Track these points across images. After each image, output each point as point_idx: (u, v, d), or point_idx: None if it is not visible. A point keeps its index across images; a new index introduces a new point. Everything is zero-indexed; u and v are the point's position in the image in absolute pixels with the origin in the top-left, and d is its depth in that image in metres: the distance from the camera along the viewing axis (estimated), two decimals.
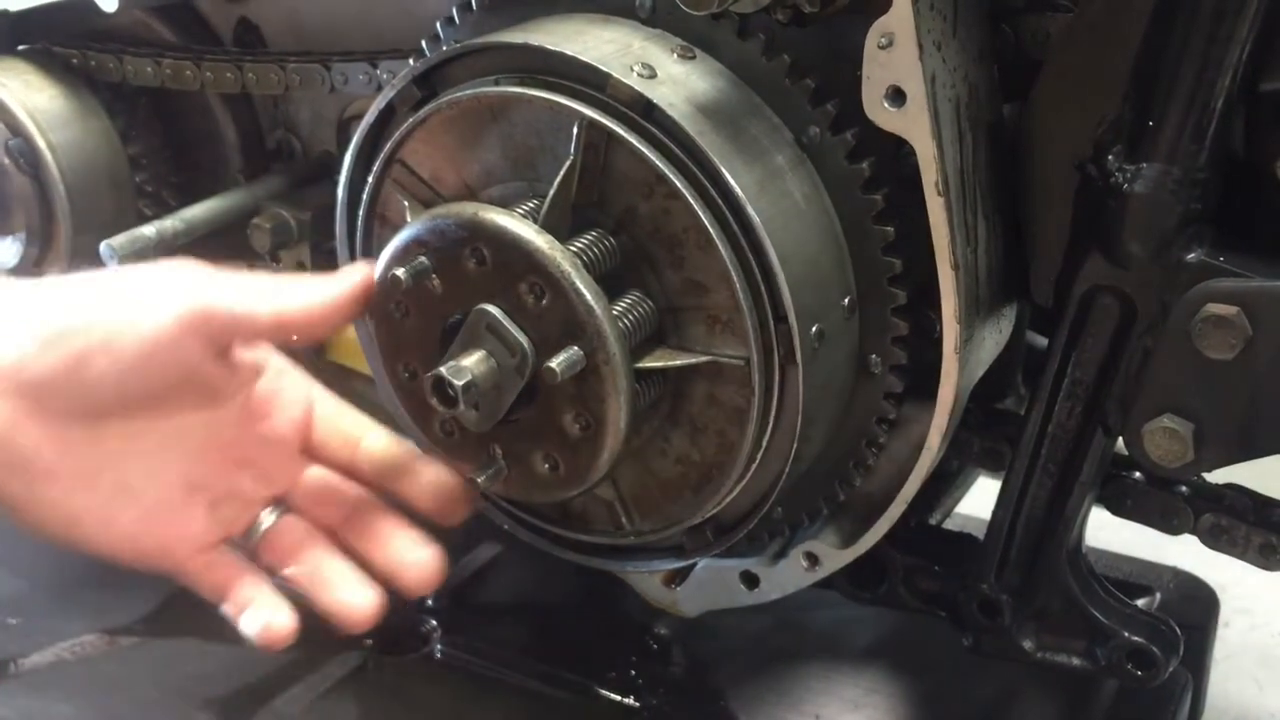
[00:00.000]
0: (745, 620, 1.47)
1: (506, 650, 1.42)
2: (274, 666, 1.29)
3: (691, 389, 0.97)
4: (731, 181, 0.89)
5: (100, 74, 1.41)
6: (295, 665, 1.30)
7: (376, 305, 0.98)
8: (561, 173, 0.91)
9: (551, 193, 0.92)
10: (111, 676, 1.30)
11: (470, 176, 1.00)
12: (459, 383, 0.89)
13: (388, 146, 1.02)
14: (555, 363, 0.89)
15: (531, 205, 0.94)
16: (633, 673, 1.38)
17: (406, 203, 1.01)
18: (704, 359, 0.94)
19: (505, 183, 0.99)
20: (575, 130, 0.91)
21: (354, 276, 0.95)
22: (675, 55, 0.95)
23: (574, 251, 0.90)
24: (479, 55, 0.98)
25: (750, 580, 1.12)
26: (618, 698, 1.37)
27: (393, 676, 1.37)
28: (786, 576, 1.10)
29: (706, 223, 0.89)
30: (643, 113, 0.91)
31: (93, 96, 1.42)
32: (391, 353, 1.01)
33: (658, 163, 0.89)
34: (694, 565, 1.13)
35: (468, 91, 0.96)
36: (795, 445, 0.96)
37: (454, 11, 1.05)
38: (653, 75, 0.92)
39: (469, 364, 0.90)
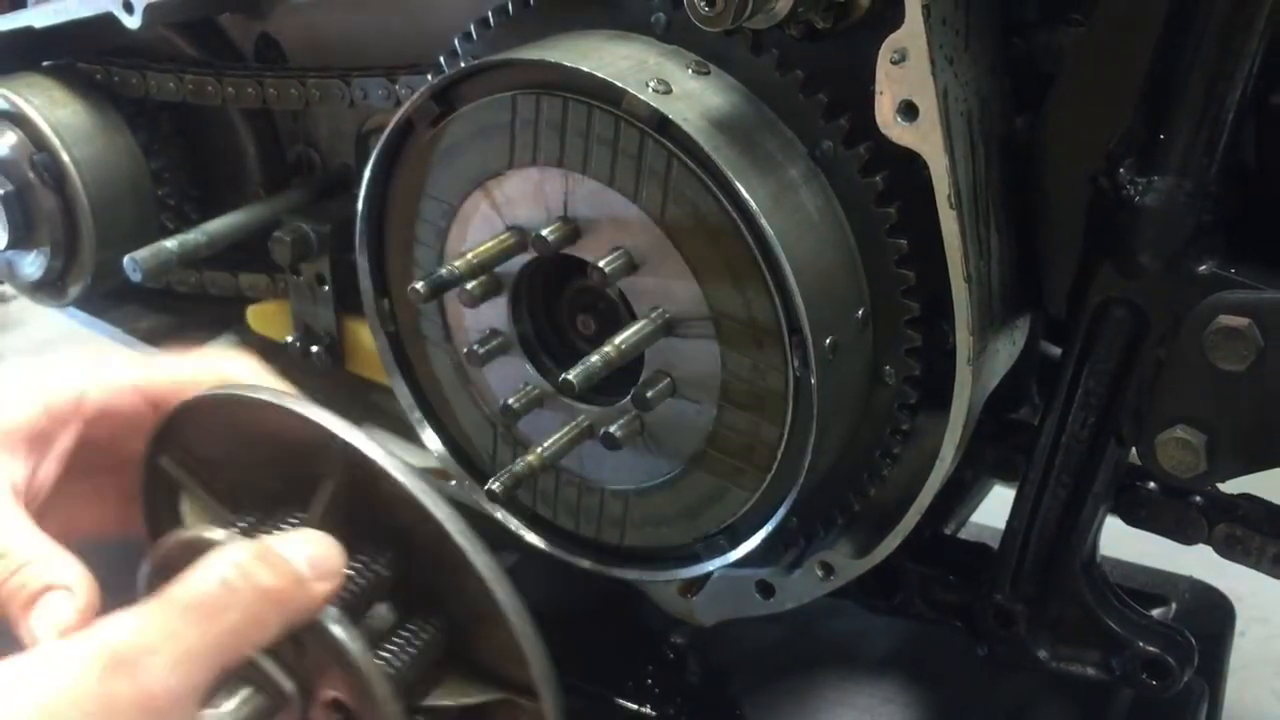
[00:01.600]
0: (760, 630, 1.48)
1: None
2: None
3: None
4: (746, 195, 0.90)
5: (123, 89, 1.42)
6: None
7: None
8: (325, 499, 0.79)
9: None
10: None
11: None
12: None
13: None
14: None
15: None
16: (649, 682, 1.39)
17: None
18: (493, 697, 0.80)
19: None
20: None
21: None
22: (690, 71, 0.96)
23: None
24: (496, 71, 0.99)
25: (765, 590, 1.12)
26: (634, 706, 1.37)
27: None
28: (802, 586, 1.10)
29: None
30: (658, 128, 0.92)
31: (116, 112, 1.44)
32: None
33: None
34: (710, 575, 1.14)
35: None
36: (809, 456, 0.97)
37: (471, 28, 1.07)
38: (668, 91, 0.93)
39: (229, 709, 0.75)
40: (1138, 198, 0.91)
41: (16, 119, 1.39)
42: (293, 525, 0.78)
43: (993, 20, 0.94)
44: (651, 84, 0.93)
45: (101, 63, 1.43)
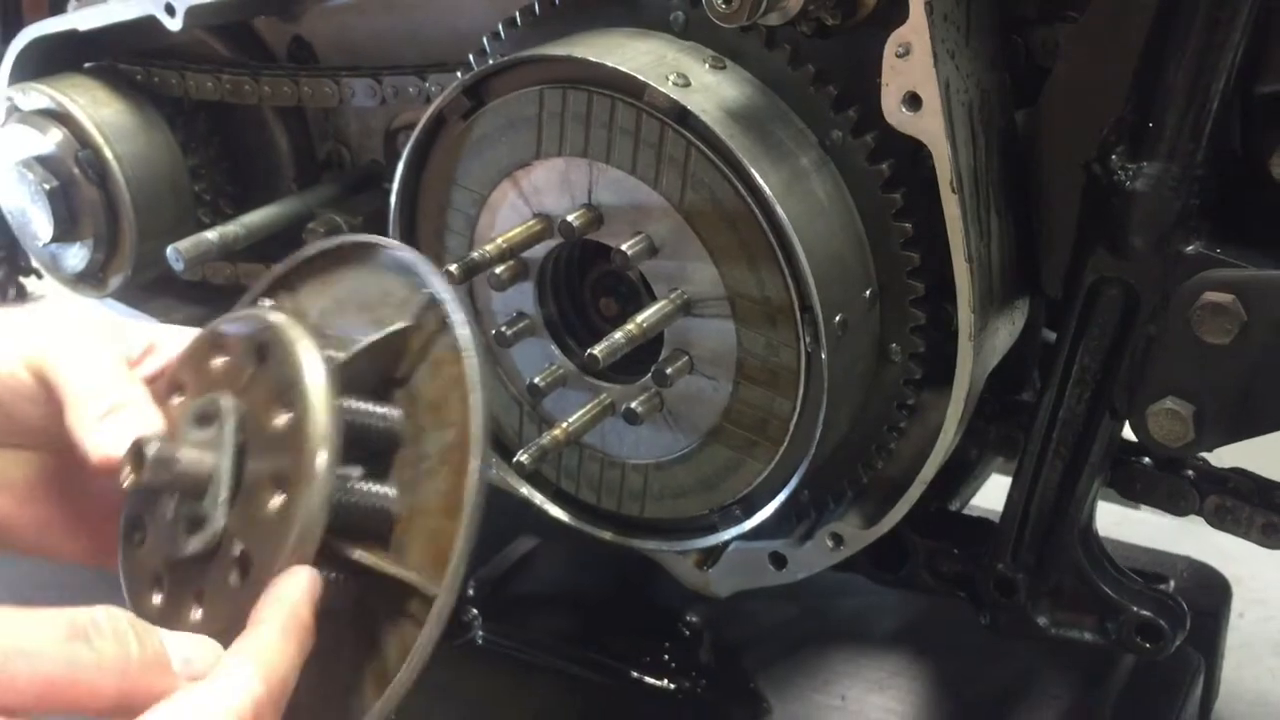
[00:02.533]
0: (773, 609, 1.54)
1: (545, 637, 1.49)
2: None
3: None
4: (761, 181, 0.96)
5: (163, 89, 1.48)
6: None
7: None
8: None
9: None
10: None
11: None
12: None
13: None
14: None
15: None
16: (666, 657, 1.45)
17: None
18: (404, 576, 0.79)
19: None
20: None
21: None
22: (707, 65, 1.02)
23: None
24: (525, 67, 1.05)
25: (779, 561, 1.18)
26: (653, 681, 1.43)
27: (436, 661, 1.44)
28: (813, 556, 1.16)
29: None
30: (678, 119, 0.98)
31: (155, 111, 1.49)
32: None
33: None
34: (725, 547, 1.20)
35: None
36: (820, 429, 1.02)
37: (499, 27, 1.13)
38: (687, 84, 0.99)
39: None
40: (1129, 183, 0.97)
41: (62, 117, 1.45)
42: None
43: (992, 17, 1.00)
44: (671, 78, 0.98)
45: (141, 64, 1.49)
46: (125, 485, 0.78)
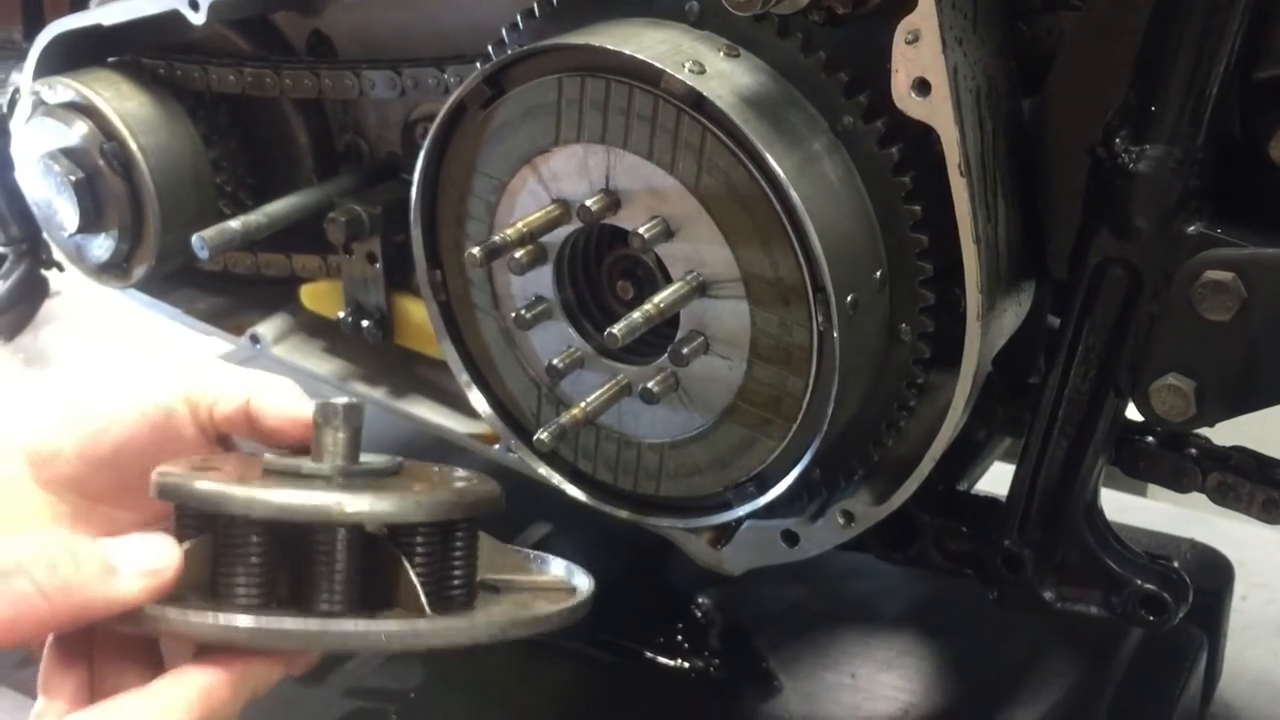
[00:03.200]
0: (783, 590, 1.57)
1: None
2: None
3: None
4: (775, 165, 0.99)
5: (185, 83, 1.51)
6: None
7: None
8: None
9: None
10: None
11: None
12: None
13: None
14: None
15: None
16: (679, 639, 1.48)
17: None
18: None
19: None
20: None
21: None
22: (722, 53, 1.05)
23: None
24: (544, 56, 1.08)
25: (791, 539, 1.20)
26: (665, 661, 1.46)
27: None
28: (824, 534, 1.18)
29: None
30: (694, 105, 1.01)
31: (178, 104, 1.52)
32: None
33: None
34: (739, 526, 1.22)
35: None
36: (832, 407, 1.05)
37: (518, 18, 1.16)
38: (702, 71, 1.02)
39: None
40: (1132, 166, 0.99)
41: (87, 110, 1.48)
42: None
43: (999, 5, 1.03)
44: (687, 65, 1.01)
45: (164, 58, 1.53)
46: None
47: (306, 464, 0.88)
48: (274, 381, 0.97)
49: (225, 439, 0.98)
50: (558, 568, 0.99)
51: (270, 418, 0.95)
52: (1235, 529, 1.70)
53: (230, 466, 0.89)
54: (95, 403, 0.95)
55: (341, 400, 0.89)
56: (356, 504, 0.81)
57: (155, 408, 0.94)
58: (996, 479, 1.27)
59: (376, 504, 0.82)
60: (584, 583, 0.97)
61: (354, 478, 0.87)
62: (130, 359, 1.02)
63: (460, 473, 0.94)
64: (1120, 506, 1.62)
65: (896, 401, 1.12)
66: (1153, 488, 1.38)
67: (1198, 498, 1.17)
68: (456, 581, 0.88)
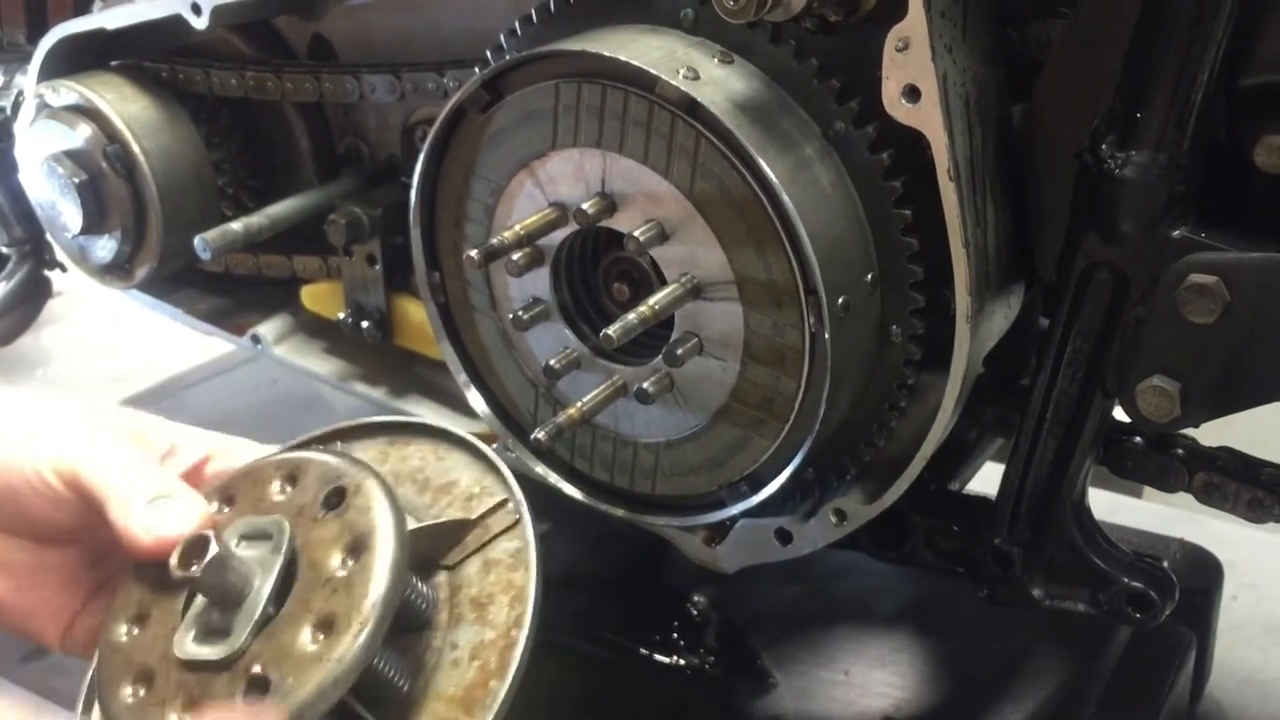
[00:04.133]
0: (777, 589, 1.58)
1: (556, 617, 1.53)
2: None
3: None
4: (767, 170, 1.01)
5: (187, 86, 1.53)
6: None
7: None
8: None
9: None
10: None
11: None
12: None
13: None
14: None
15: None
16: (675, 636, 1.49)
17: None
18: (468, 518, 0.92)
19: None
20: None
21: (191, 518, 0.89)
22: (716, 60, 1.07)
23: None
24: (542, 61, 1.10)
25: (784, 536, 1.22)
26: (661, 658, 1.48)
27: None
28: (817, 532, 1.20)
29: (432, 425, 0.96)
30: (688, 110, 1.03)
31: (180, 107, 1.54)
32: None
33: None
34: (733, 524, 1.24)
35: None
36: (824, 407, 1.07)
37: (516, 24, 1.18)
38: (696, 77, 1.03)
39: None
40: (1118, 171, 1.01)
41: (90, 113, 1.50)
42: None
43: (988, 13, 1.04)
44: (682, 71, 1.03)
45: (167, 61, 1.54)
46: (173, 574, 0.81)
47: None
48: (233, 442, 0.97)
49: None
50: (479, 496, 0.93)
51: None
52: (1226, 529, 1.71)
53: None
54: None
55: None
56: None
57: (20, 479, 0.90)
58: (988, 478, 1.29)
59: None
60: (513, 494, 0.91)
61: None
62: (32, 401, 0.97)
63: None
64: (1114, 507, 1.64)
65: (887, 402, 1.14)
66: (1147, 489, 1.40)
67: (1189, 498, 1.19)
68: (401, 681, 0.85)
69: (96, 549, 0.96)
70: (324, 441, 0.97)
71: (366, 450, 0.96)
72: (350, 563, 0.82)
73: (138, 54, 1.57)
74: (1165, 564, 1.24)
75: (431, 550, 0.90)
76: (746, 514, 1.21)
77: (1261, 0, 0.96)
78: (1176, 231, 1.01)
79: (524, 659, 0.84)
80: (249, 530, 0.86)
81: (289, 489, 0.88)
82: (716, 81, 1.04)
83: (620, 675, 1.48)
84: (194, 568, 0.81)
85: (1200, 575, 1.52)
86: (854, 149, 1.05)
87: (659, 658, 1.48)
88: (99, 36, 1.53)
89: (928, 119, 0.99)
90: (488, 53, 1.19)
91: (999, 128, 1.07)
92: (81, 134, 1.50)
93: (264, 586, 0.82)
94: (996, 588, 1.21)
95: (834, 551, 1.24)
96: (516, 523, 0.90)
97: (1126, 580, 1.14)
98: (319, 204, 1.49)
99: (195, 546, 0.81)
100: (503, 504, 0.91)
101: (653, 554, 1.43)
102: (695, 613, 1.54)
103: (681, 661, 1.47)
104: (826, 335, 1.03)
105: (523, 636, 0.85)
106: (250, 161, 1.61)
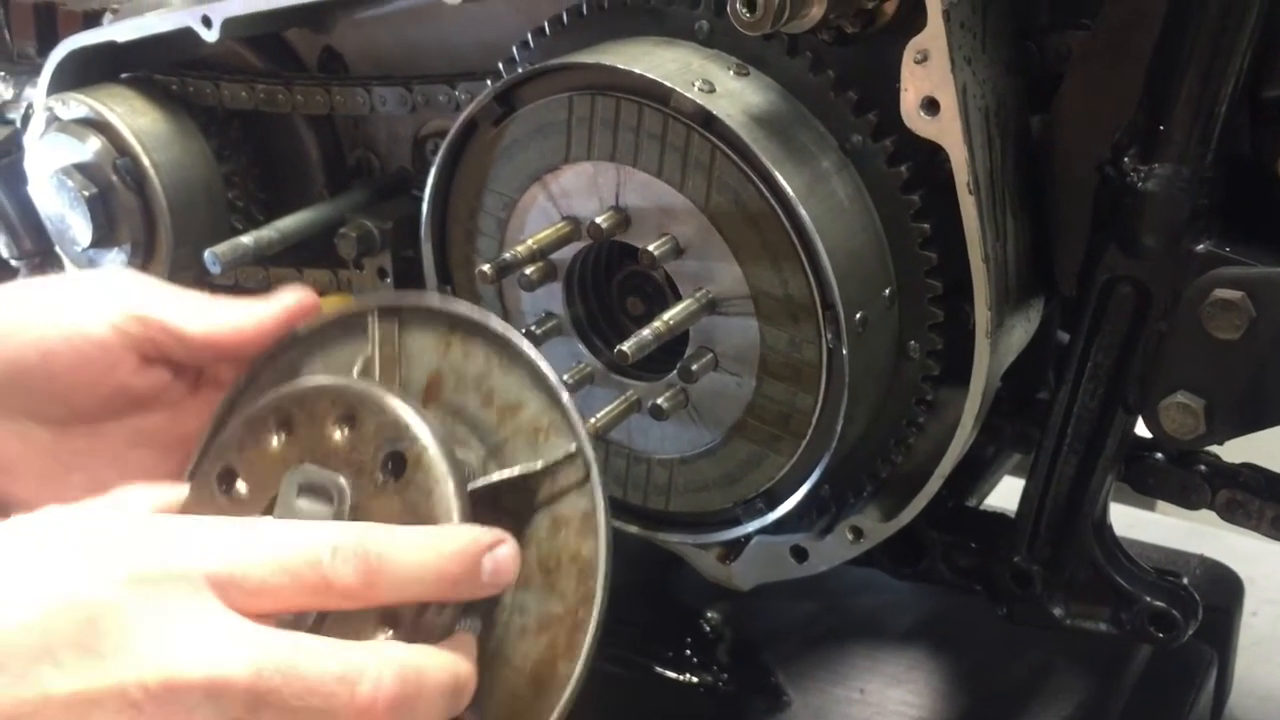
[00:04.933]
0: (792, 605, 1.57)
1: None
2: None
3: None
4: (784, 183, 0.99)
5: (198, 99, 1.52)
6: None
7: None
8: (356, 368, 0.93)
9: None
10: None
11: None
12: None
13: None
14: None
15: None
16: (687, 652, 1.48)
17: None
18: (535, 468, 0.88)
19: None
20: (369, 325, 0.94)
21: (284, 301, 0.94)
22: (731, 72, 1.05)
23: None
24: (555, 74, 1.09)
25: (800, 554, 1.21)
26: (674, 675, 1.46)
27: None
28: (833, 550, 1.19)
29: (498, 329, 0.92)
30: (703, 123, 1.02)
31: (190, 120, 1.53)
32: None
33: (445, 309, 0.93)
34: (748, 541, 1.23)
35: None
36: (841, 423, 1.06)
37: (529, 36, 1.17)
38: (712, 90, 1.02)
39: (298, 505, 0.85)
40: (1140, 184, 1.00)
41: (100, 126, 1.49)
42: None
43: (1007, 24, 1.03)
44: (697, 84, 1.02)
45: (177, 74, 1.53)
46: None
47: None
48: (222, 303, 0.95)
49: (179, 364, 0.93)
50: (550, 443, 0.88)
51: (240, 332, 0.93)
52: (1245, 544, 1.70)
53: None
54: (19, 330, 0.89)
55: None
56: None
57: (85, 339, 0.88)
58: (1008, 493, 1.27)
59: None
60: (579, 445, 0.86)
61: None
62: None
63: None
64: (1130, 521, 1.62)
65: (905, 418, 1.12)
66: (1161, 502, 1.39)
67: (1208, 513, 1.17)
68: None
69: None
70: (385, 316, 0.92)
71: (426, 337, 0.92)
72: None
73: (148, 67, 1.56)
74: (1185, 580, 1.23)
75: (494, 496, 0.86)
76: (762, 531, 1.19)
77: None
78: (1200, 245, 1.00)
79: (593, 645, 0.81)
80: (308, 482, 0.83)
81: (346, 431, 0.85)
82: (732, 94, 1.03)
83: (632, 692, 1.46)
84: None
85: (1221, 592, 1.50)
86: (872, 162, 1.04)
87: (671, 674, 1.46)
88: (109, 49, 1.52)
89: (947, 132, 0.98)
90: (500, 65, 1.18)
91: (1018, 140, 1.06)
92: (91, 147, 1.49)
93: None
94: (1016, 606, 1.19)
95: (849, 567, 1.22)
96: (585, 479, 0.85)
97: (1149, 599, 1.12)
98: (329, 217, 1.47)
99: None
100: (571, 457, 0.86)
101: (664, 570, 1.41)
102: (708, 629, 1.53)
103: (694, 679, 1.46)
104: (844, 351, 1.02)
105: (591, 620, 0.81)
106: (260, 174, 1.59)
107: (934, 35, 0.95)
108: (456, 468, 0.83)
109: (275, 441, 0.87)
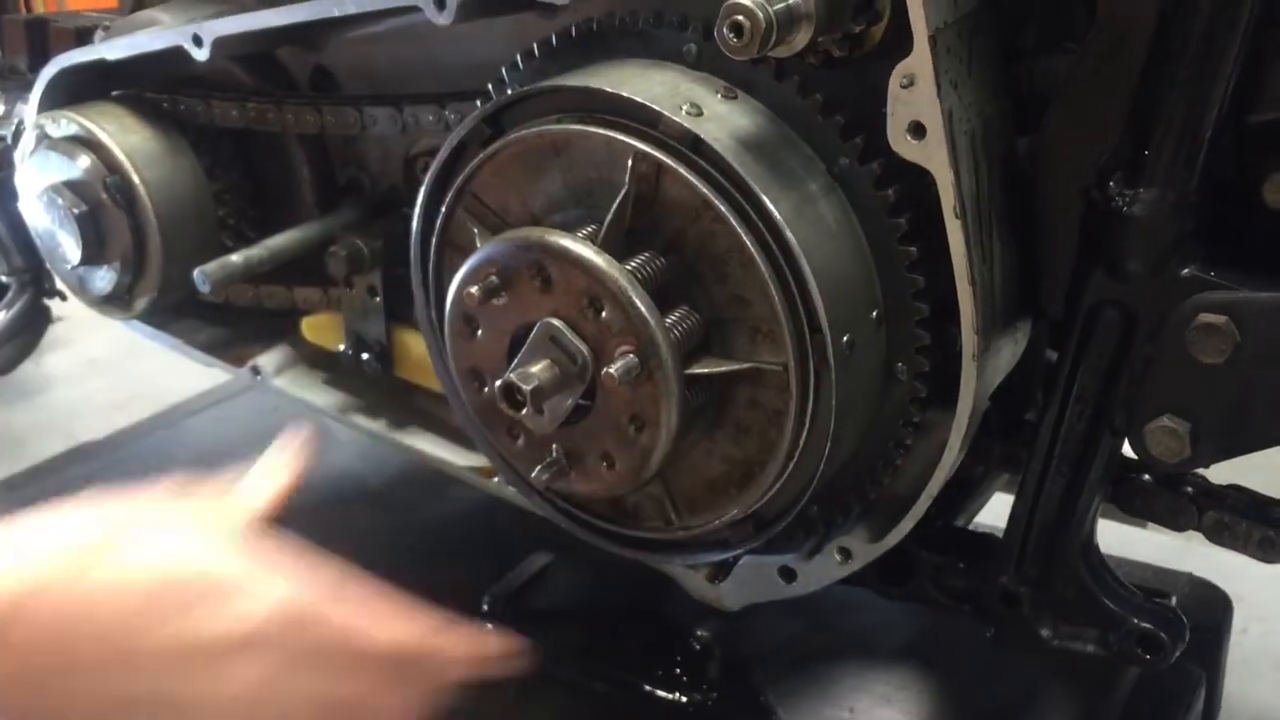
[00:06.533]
0: (781, 625, 1.57)
1: (558, 649, 1.52)
2: None
3: (735, 393, 1.07)
4: (771, 207, 1.00)
5: (188, 117, 1.53)
6: None
7: (451, 321, 1.08)
8: (617, 200, 1.03)
9: (609, 218, 1.03)
10: None
11: (535, 206, 1.11)
12: (526, 388, 1.01)
13: (459, 180, 1.14)
14: (613, 369, 1.00)
15: (590, 230, 1.05)
16: (677, 671, 1.48)
17: (476, 230, 1.12)
18: (746, 366, 1.04)
19: (566, 210, 1.10)
20: (629, 162, 1.02)
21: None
22: (719, 95, 1.06)
23: (629, 269, 1.01)
24: (543, 97, 1.09)
25: (788, 574, 1.21)
26: (663, 693, 1.46)
27: None
28: (822, 570, 1.19)
29: (748, 244, 1.00)
30: (691, 146, 1.02)
31: (181, 137, 1.54)
32: (463, 364, 1.12)
33: (704, 190, 1.00)
34: (736, 562, 1.23)
35: (535, 129, 1.08)
36: (829, 445, 1.06)
37: (517, 58, 1.17)
38: (700, 113, 1.02)
39: (535, 371, 1.03)
40: (1126, 209, 1.00)
41: (90, 144, 1.50)
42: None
43: (994, 49, 1.04)
44: (685, 107, 1.02)
45: (168, 92, 1.54)
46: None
47: None
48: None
49: None
50: None
51: None
52: (1233, 561, 1.67)
53: None
54: None
55: None
56: None
57: None
58: (998, 510, 1.27)
59: None
60: None
61: None
62: None
63: None
64: (1119, 539, 1.62)
65: (893, 440, 1.12)
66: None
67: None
68: None
69: None
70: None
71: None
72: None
73: (139, 84, 1.57)
74: (1174, 601, 1.24)
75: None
76: (750, 552, 1.19)
77: (1269, 37, 0.95)
78: (1185, 270, 1.00)
79: None
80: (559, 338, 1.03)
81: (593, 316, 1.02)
82: (720, 117, 1.03)
83: (621, 710, 1.46)
84: None
85: (1209, 611, 1.51)
86: (859, 185, 1.04)
87: (661, 693, 1.46)
88: (100, 67, 1.53)
89: (933, 156, 0.98)
90: (489, 86, 1.18)
91: (1005, 164, 1.06)
92: (81, 165, 1.49)
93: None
94: (1003, 627, 1.19)
95: (838, 587, 1.22)
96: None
97: (1136, 621, 1.13)
98: (320, 235, 1.48)
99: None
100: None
101: (654, 587, 1.41)
102: (698, 647, 1.52)
103: (684, 697, 1.46)
104: (831, 374, 1.02)
105: None
106: (251, 192, 1.60)
107: (920, 60, 0.96)
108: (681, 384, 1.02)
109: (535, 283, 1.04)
